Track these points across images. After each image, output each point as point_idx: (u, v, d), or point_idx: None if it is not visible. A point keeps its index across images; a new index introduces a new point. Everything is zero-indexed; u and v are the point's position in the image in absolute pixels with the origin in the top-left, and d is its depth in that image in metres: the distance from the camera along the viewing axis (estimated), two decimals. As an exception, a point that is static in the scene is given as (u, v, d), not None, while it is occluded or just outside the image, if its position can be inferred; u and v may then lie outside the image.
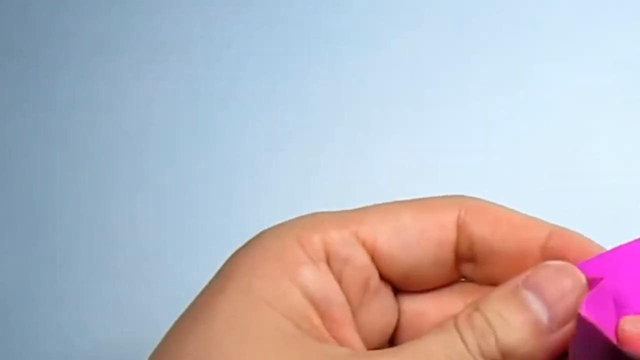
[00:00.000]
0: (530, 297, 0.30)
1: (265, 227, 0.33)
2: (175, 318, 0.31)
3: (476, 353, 0.29)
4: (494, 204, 0.34)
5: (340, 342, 0.31)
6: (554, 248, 0.32)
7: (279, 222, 0.33)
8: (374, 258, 0.33)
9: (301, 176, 0.58)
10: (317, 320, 0.31)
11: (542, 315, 0.30)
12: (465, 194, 0.35)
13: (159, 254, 0.57)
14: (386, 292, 0.34)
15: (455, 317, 0.30)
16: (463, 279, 0.35)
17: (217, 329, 0.29)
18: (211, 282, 0.32)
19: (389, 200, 0.34)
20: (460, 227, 0.33)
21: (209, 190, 0.58)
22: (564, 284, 0.30)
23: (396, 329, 0.34)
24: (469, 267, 0.34)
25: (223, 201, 0.57)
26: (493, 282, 0.33)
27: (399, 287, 0.34)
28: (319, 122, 0.58)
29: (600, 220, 0.54)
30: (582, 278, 0.30)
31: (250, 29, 0.61)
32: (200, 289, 0.32)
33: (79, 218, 0.59)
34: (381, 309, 0.33)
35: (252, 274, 0.31)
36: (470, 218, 0.33)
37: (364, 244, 0.33)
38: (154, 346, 0.31)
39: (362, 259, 0.33)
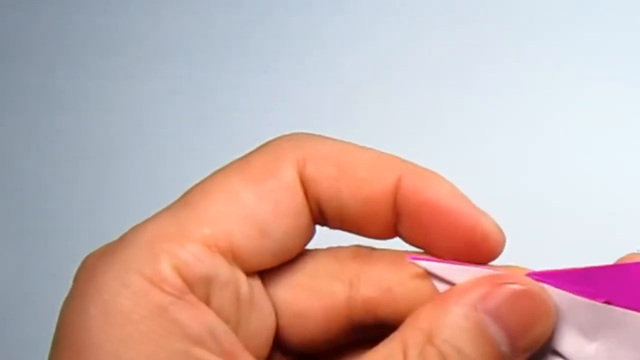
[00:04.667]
0: (492, 328, 0.26)
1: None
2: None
3: None
4: (334, 142, 0.29)
5: None
6: (406, 195, 0.28)
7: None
8: (234, 260, 0.28)
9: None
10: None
11: (505, 347, 0.26)
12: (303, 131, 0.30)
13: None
14: (258, 292, 0.29)
15: (404, 351, 0.26)
16: None
17: None
18: (66, 355, 0.27)
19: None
20: (304, 185, 0.28)
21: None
22: (529, 313, 0.26)
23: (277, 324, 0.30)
24: (329, 221, 0.29)
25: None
26: (355, 228, 0.29)
27: (265, 270, 0.29)
28: (319, 122, 0.58)
29: (600, 217, 0.54)
30: (550, 306, 0.27)
31: (251, 29, 0.61)
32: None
33: (76, 218, 0.59)
34: (260, 313, 0.28)
35: (120, 341, 0.25)
36: (312, 171, 0.28)
37: (217, 248, 0.27)
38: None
39: (223, 271, 0.27)
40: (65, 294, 0.28)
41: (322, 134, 0.30)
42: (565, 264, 0.29)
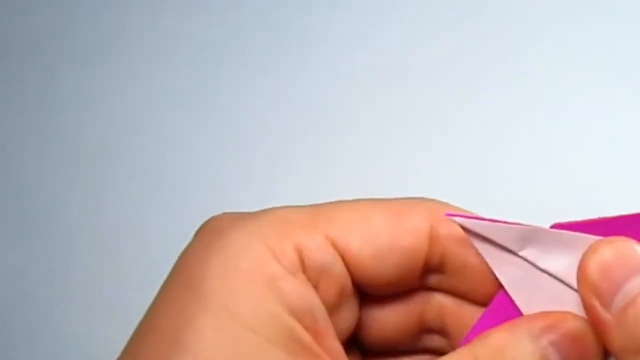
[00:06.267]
0: (553, 357, 0.29)
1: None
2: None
3: None
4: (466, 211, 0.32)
5: (328, 355, 0.30)
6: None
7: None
8: (345, 263, 0.31)
9: (305, 176, 0.58)
10: (307, 338, 0.29)
11: None
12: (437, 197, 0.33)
13: (155, 254, 0.57)
14: (354, 296, 0.32)
15: None
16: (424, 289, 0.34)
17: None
18: (180, 292, 0.29)
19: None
20: (432, 239, 0.32)
21: (208, 190, 0.58)
22: (584, 351, 0.30)
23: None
24: (435, 277, 0.33)
25: (223, 201, 0.57)
26: (459, 294, 0.33)
27: (364, 290, 0.32)
28: (319, 122, 0.58)
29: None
30: (600, 347, 0.30)
31: (251, 29, 0.61)
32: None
33: (75, 218, 0.59)
34: (349, 313, 0.32)
35: (231, 294, 0.28)
36: (444, 230, 0.32)
37: (335, 248, 0.31)
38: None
39: (337, 266, 0.31)
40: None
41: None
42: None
